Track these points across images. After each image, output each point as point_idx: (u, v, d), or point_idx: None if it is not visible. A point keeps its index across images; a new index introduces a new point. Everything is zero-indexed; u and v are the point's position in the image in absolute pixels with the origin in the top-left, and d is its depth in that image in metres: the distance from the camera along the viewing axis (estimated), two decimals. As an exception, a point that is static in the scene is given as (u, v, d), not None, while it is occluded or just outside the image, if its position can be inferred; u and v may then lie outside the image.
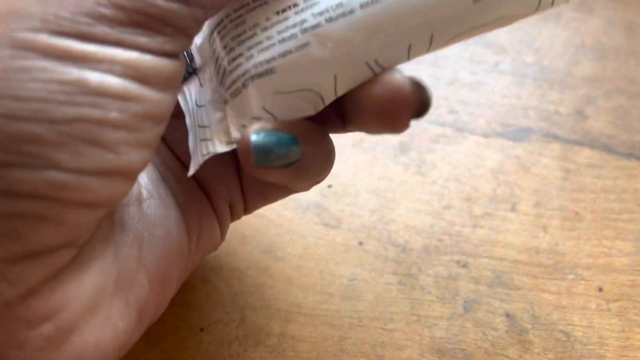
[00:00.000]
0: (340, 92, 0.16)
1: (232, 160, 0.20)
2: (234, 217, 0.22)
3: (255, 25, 0.16)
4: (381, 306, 0.24)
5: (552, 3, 0.16)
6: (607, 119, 0.30)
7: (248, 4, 0.17)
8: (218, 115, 0.17)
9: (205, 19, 0.15)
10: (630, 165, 0.28)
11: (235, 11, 0.17)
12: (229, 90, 0.17)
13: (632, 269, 0.25)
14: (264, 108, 0.16)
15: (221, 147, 0.17)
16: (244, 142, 0.16)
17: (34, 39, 0.13)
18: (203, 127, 0.17)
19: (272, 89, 0.16)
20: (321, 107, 0.16)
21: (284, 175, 0.17)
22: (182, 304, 0.23)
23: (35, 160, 0.13)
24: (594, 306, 0.24)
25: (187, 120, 0.18)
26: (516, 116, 0.30)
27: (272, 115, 0.16)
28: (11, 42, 0.13)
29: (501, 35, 0.33)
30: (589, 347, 0.23)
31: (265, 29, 0.16)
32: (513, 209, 0.27)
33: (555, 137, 0.29)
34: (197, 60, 0.19)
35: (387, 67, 0.16)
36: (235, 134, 0.16)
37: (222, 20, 0.17)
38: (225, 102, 0.17)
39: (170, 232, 0.18)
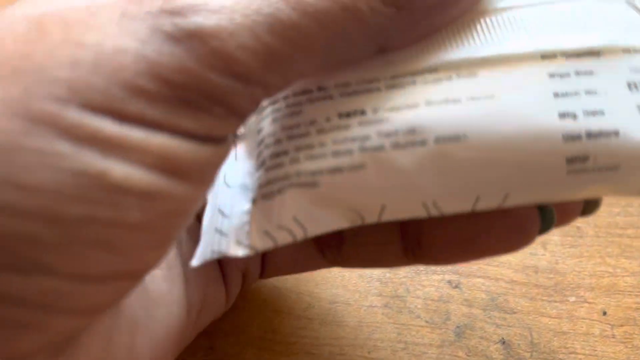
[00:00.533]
0: (384, 220, 0.14)
1: None
2: (246, 285, 0.19)
3: (312, 122, 0.14)
4: (365, 332, 0.21)
5: None
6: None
7: (311, 91, 0.14)
8: (244, 208, 0.14)
9: (264, 98, 0.12)
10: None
11: (295, 95, 0.15)
12: (262, 189, 0.14)
13: (638, 290, 0.23)
14: (295, 219, 0.14)
15: (236, 250, 0.14)
16: None
17: (57, 113, 0.10)
18: (223, 214, 0.15)
19: (311, 202, 0.14)
20: (359, 224, 0.14)
21: None
22: (144, 330, 0.21)
23: (26, 263, 0.10)
24: (597, 332, 0.22)
25: (213, 189, 0.16)
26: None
27: (304, 227, 0.14)
28: (27, 112, 0.10)
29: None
30: (592, 378, 0.21)
31: (322, 131, 0.14)
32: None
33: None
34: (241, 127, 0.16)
35: (445, 213, 0.14)
36: (255, 241, 0.14)
37: (279, 100, 0.15)
38: (254, 201, 0.14)
39: (171, 312, 0.15)
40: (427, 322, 0.22)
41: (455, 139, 0.13)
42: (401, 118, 0.13)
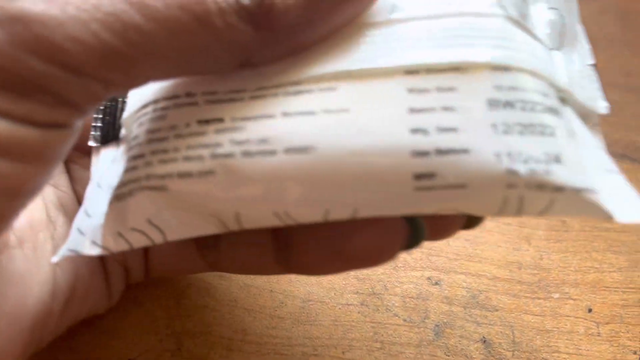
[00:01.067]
0: (247, 227, 0.14)
1: None
2: (131, 280, 0.19)
3: (172, 127, 0.14)
4: (339, 331, 0.20)
5: (519, 211, 0.13)
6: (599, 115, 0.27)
7: (179, 96, 0.14)
8: (103, 210, 0.15)
9: (107, 96, 0.13)
10: (624, 167, 0.25)
11: (165, 99, 0.15)
12: (116, 191, 0.14)
13: (624, 286, 0.22)
14: (149, 222, 0.14)
15: (89, 250, 0.14)
16: None
17: None
18: (87, 214, 0.15)
19: (165, 206, 0.14)
20: (226, 230, 0.14)
21: None
22: (107, 330, 0.20)
23: None
24: (582, 330, 0.21)
25: (88, 188, 0.16)
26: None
27: (161, 230, 0.14)
28: None
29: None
30: (576, 378, 0.20)
31: (179, 136, 0.14)
32: (493, 217, 0.24)
33: (541, 136, 0.26)
34: (123, 130, 0.16)
35: (300, 222, 0.14)
36: (108, 242, 0.14)
37: (150, 103, 0.15)
38: (110, 203, 0.14)
39: (28, 293, 0.15)
40: (404, 320, 0.21)
41: (303, 150, 0.13)
42: (255, 128, 0.13)
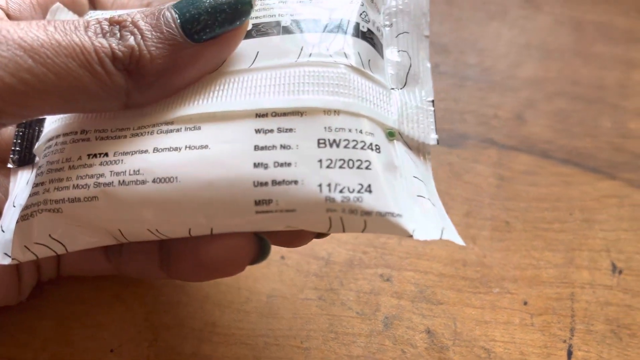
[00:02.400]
0: (131, 240, 0.17)
1: None
2: (43, 277, 0.22)
3: (67, 159, 0.17)
4: (299, 323, 0.23)
5: (344, 228, 0.16)
6: (546, 122, 0.29)
7: (76, 132, 0.17)
8: (13, 227, 0.18)
9: (3, 122, 0.16)
10: (567, 172, 0.28)
11: (64, 135, 0.18)
12: (22, 212, 0.17)
13: (559, 281, 0.25)
14: (51, 237, 0.17)
15: (1, 260, 0.17)
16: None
17: None
18: (1, 229, 0.18)
19: (62, 224, 0.17)
20: (117, 242, 0.17)
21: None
22: (92, 324, 0.22)
23: None
24: (517, 321, 0.24)
25: (5, 205, 0.19)
26: (453, 121, 0.29)
27: (62, 243, 0.17)
28: None
29: (445, 34, 0.32)
30: (509, 363, 0.23)
31: (72, 167, 0.17)
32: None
33: (492, 143, 0.29)
34: (37, 157, 0.19)
35: (170, 237, 0.17)
36: (17, 254, 0.17)
37: (54, 137, 0.18)
38: (17, 222, 0.17)
39: None
40: (357, 313, 0.23)
41: (168, 180, 0.16)
42: (131, 161, 0.16)
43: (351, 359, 0.22)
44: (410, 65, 0.19)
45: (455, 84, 0.30)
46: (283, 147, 0.16)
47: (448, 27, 0.33)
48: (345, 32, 0.17)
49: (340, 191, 0.16)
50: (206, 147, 0.16)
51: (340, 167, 0.16)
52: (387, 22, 0.19)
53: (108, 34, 0.15)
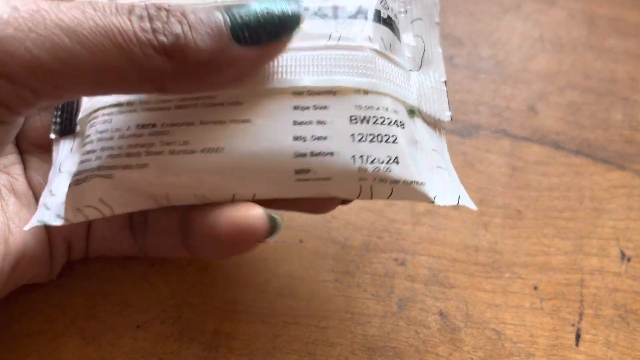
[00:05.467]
0: (175, 204, 0.19)
1: None
2: (72, 256, 0.23)
3: (117, 130, 0.18)
4: (316, 304, 0.24)
5: (372, 195, 0.18)
6: (558, 114, 0.30)
7: (122, 104, 0.19)
8: (65, 191, 0.19)
9: (38, 102, 0.16)
10: (578, 162, 0.29)
11: (110, 106, 0.19)
12: (74, 178, 0.19)
13: (568, 267, 0.25)
14: (101, 200, 0.18)
15: (54, 221, 0.19)
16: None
17: None
18: (52, 193, 0.19)
19: (112, 188, 0.18)
20: (157, 207, 0.19)
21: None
22: (119, 301, 0.23)
23: None
24: (527, 304, 0.24)
25: (50, 172, 0.20)
26: (467, 112, 0.30)
27: (110, 206, 0.18)
28: None
29: (459, 26, 0.33)
30: (518, 345, 0.23)
31: (122, 137, 0.18)
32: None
33: (505, 134, 0.29)
34: (78, 127, 0.20)
35: (214, 201, 0.18)
36: (69, 215, 0.19)
37: (100, 109, 0.19)
38: (69, 186, 0.19)
39: None
40: (372, 295, 0.24)
41: (216, 150, 0.17)
42: (179, 131, 0.18)
43: (366, 338, 0.23)
44: (425, 49, 0.21)
45: (470, 76, 0.31)
46: (319, 122, 0.17)
47: (463, 20, 0.33)
48: (368, 19, 0.19)
49: (372, 162, 0.17)
50: (248, 121, 0.17)
51: (371, 141, 0.17)
52: (402, 9, 0.21)
53: (155, 17, 0.16)
